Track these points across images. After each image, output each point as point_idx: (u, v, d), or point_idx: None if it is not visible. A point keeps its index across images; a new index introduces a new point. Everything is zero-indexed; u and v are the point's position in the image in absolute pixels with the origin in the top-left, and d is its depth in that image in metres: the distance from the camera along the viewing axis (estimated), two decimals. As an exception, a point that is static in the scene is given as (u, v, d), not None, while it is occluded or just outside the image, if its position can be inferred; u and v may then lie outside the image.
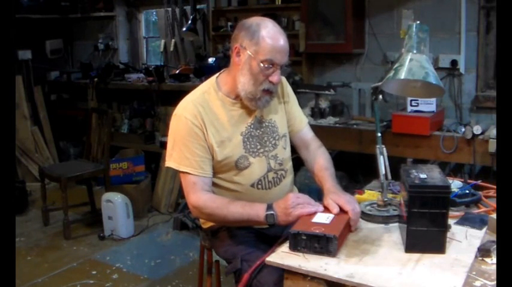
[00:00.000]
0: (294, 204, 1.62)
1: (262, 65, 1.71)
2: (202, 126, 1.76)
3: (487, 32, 3.46)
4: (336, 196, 1.67)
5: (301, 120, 2.03)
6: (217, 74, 1.90)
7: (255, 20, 1.76)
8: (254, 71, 1.72)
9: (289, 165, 1.97)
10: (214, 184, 1.85)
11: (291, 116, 2.00)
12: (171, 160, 1.80)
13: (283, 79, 1.98)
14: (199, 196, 1.75)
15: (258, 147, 1.85)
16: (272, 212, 1.64)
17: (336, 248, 1.47)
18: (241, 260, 1.74)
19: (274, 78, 1.74)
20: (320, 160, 1.92)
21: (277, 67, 1.73)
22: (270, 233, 1.86)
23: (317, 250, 1.48)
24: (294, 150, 2.04)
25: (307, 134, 2.04)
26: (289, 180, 1.96)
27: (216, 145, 1.78)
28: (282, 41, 1.73)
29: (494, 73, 3.51)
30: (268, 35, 1.70)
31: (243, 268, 1.71)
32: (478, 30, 3.47)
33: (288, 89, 2.01)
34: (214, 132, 1.78)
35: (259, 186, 1.85)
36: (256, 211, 1.66)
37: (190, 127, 1.76)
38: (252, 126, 1.85)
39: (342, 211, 1.63)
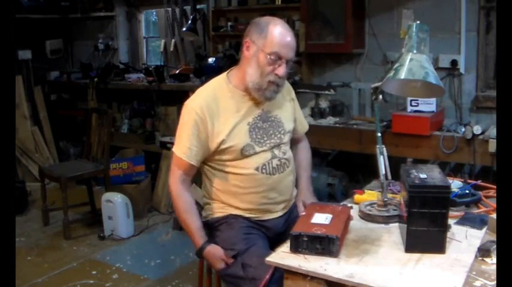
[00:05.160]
0: (218, 259, 1.87)
1: (269, 57, 1.81)
2: (206, 118, 1.85)
3: (487, 32, 3.46)
4: (304, 197, 2.08)
5: (303, 126, 2.20)
6: (228, 71, 2.00)
7: (265, 18, 1.89)
8: (261, 63, 1.83)
9: (291, 156, 2.06)
10: (219, 170, 1.94)
11: (295, 118, 2.12)
12: (174, 146, 1.93)
13: (288, 85, 2.10)
14: (177, 185, 1.91)
15: (265, 138, 1.93)
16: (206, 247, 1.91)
17: (338, 248, 1.47)
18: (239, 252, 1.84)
19: (280, 71, 1.83)
20: (302, 160, 2.18)
21: (283, 61, 1.83)
22: (270, 226, 1.98)
23: (319, 251, 1.48)
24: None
25: (301, 134, 2.22)
26: (291, 169, 2.04)
27: (223, 133, 1.86)
28: (288, 37, 1.84)
29: (494, 73, 3.50)
30: (275, 31, 1.82)
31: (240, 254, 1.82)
32: (478, 30, 3.47)
33: (293, 94, 2.14)
34: (222, 121, 1.87)
35: (264, 170, 1.91)
36: (197, 240, 1.94)
37: (194, 118, 1.86)
38: (258, 118, 1.93)
39: (339, 210, 1.70)
